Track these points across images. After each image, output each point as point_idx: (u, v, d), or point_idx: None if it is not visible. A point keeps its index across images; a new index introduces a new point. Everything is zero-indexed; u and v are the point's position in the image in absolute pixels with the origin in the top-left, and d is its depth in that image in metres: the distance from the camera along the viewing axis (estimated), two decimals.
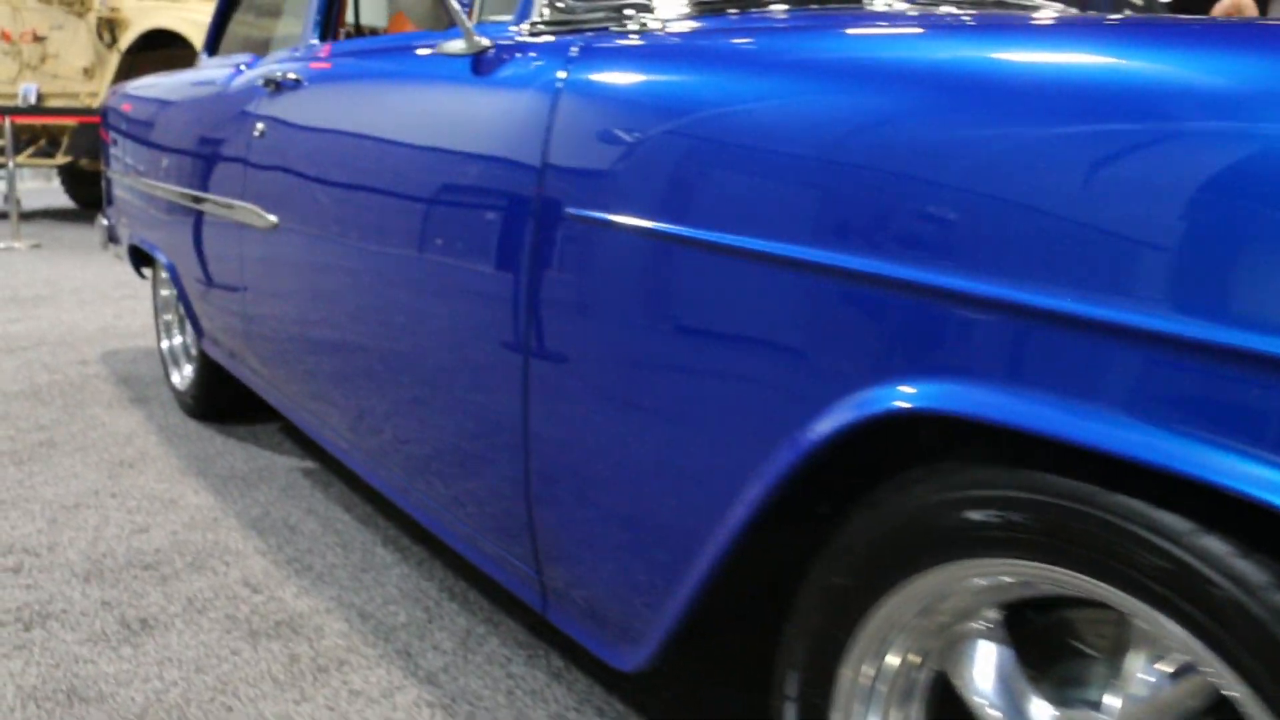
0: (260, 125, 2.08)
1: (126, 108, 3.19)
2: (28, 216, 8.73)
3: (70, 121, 8.32)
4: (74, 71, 8.39)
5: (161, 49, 8.05)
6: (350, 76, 1.86)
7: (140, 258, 3.25)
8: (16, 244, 7.03)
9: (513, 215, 1.30)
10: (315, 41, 2.14)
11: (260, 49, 2.61)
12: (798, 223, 0.97)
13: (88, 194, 10.23)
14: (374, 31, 2.67)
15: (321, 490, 2.41)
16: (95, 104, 8.14)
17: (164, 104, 2.83)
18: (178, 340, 3.14)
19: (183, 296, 2.72)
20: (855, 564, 0.96)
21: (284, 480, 2.48)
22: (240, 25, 2.94)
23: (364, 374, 1.77)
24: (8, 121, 7.10)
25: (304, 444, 2.76)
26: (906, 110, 0.91)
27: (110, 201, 3.60)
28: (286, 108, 2.00)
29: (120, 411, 3.03)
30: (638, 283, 1.12)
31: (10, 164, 7.15)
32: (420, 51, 1.66)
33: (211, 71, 2.61)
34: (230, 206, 2.21)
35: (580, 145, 1.20)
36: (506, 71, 1.39)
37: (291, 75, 2.01)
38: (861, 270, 0.91)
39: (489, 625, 1.76)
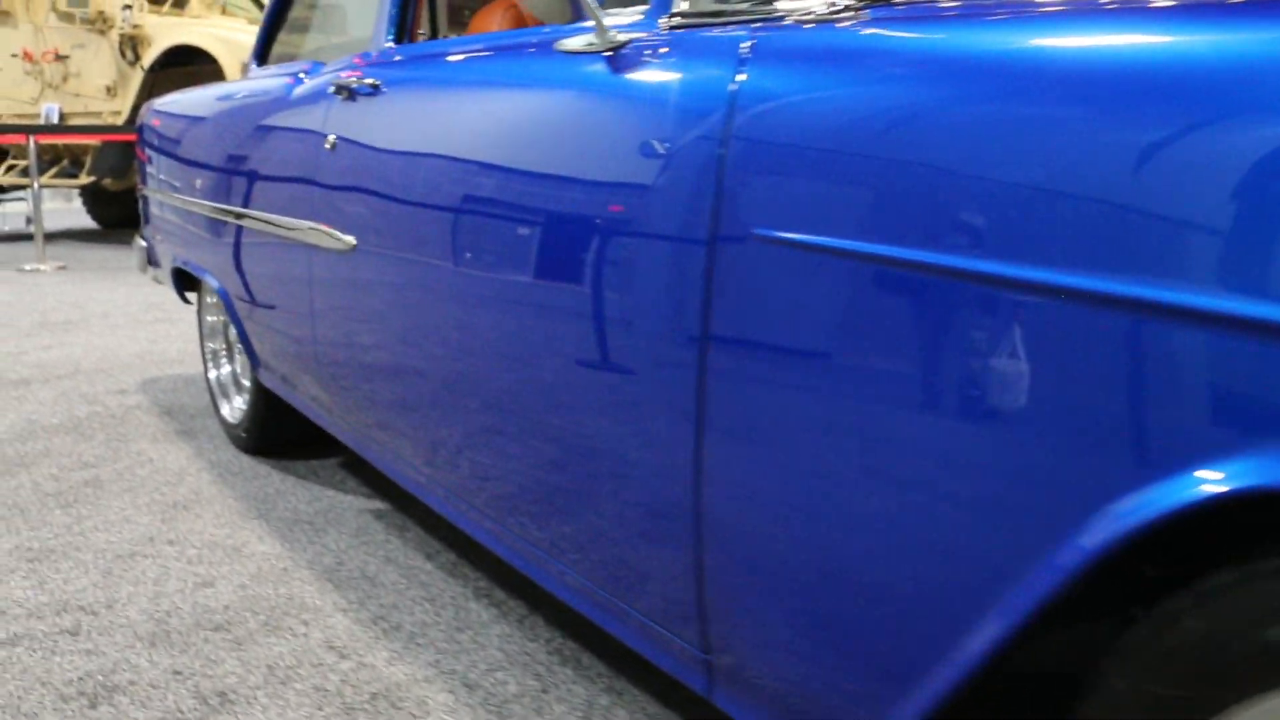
0: (331, 138, 1.90)
1: (167, 123, 3.01)
2: (50, 238, 8.61)
3: (93, 141, 8.20)
4: (96, 90, 8.26)
5: (185, 66, 7.93)
6: (441, 81, 1.67)
7: (184, 281, 3.08)
8: (42, 266, 6.89)
9: (674, 238, 1.10)
10: (390, 44, 1.96)
11: (314, 58, 2.43)
12: (1079, 247, 0.77)
13: (110, 214, 10.11)
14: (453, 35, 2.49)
15: (397, 534, 2.22)
16: (119, 123, 8.02)
17: (212, 118, 2.65)
18: (226, 370, 2.96)
19: (236, 323, 2.54)
20: (1182, 673, 0.76)
21: (354, 523, 2.29)
22: (281, 42, 2.77)
23: (456, 407, 1.58)
24: (32, 141, 6.96)
25: (370, 481, 2.57)
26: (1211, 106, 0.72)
27: (148, 221, 3.43)
28: (363, 117, 1.82)
29: (167, 446, 2.85)
30: (861, 315, 0.92)
31: (35, 185, 7.01)
32: (529, 50, 1.48)
33: (265, 81, 2.43)
34: (296, 227, 2.02)
35: (774, 157, 1.01)
36: (652, 72, 1.20)
37: (369, 81, 1.83)
38: (1181, 305, 0.71)
39: (612, 695, 1.57)
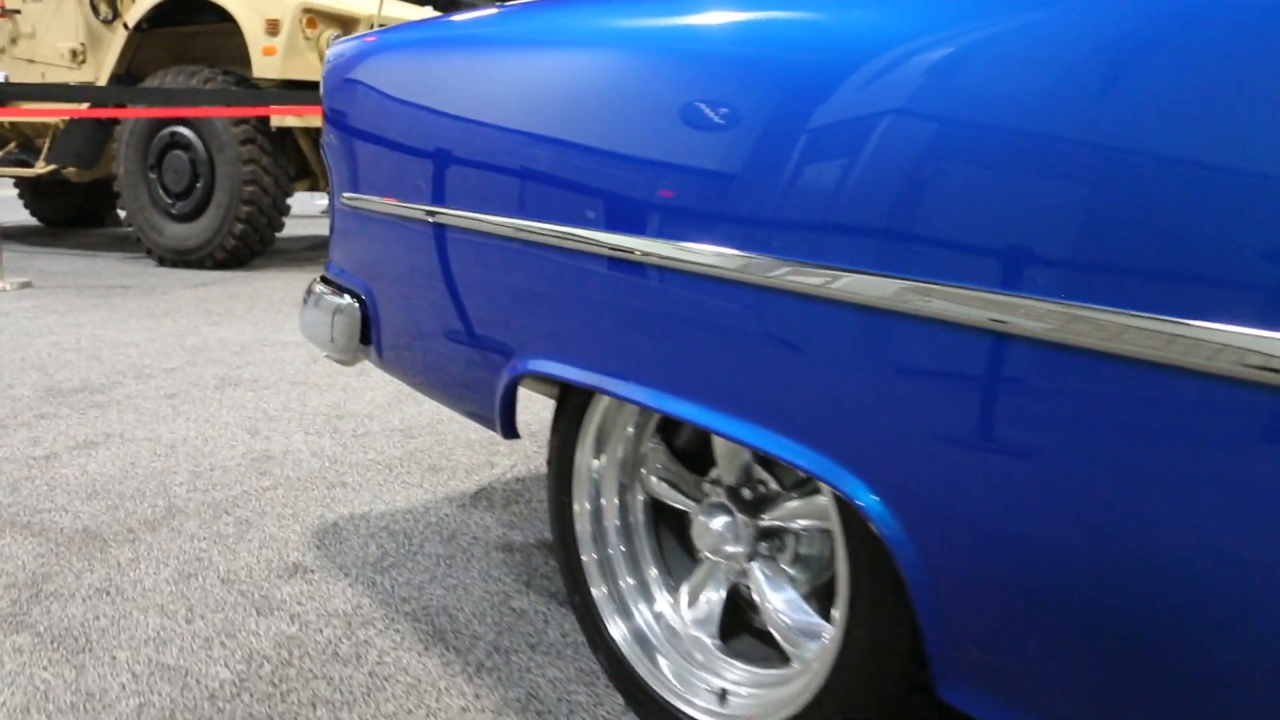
0: None
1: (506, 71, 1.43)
2: None
3: (55, 119, 6.37)
4: (56, 55, 6.43)
5: (184, 25, 6.16)
6: None
7: (510, 389, 1.48)
8: (1, 284, 5.09)
9: None
10: None
11: None
12: None
13: (57, 210, 8.24)
14: None
15: None
16: None
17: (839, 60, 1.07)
18: (645, 615, 1.37)
19: (919, 580, 0.94)
20: None
21: None
22: None
23: None
24: None
25: None
26: None
27: (337, 250, 1.86)
28: None
29: None
30: None
31: None
32: None
33: None
34: None
35: None
36: None
37: None
38: None
39: None
